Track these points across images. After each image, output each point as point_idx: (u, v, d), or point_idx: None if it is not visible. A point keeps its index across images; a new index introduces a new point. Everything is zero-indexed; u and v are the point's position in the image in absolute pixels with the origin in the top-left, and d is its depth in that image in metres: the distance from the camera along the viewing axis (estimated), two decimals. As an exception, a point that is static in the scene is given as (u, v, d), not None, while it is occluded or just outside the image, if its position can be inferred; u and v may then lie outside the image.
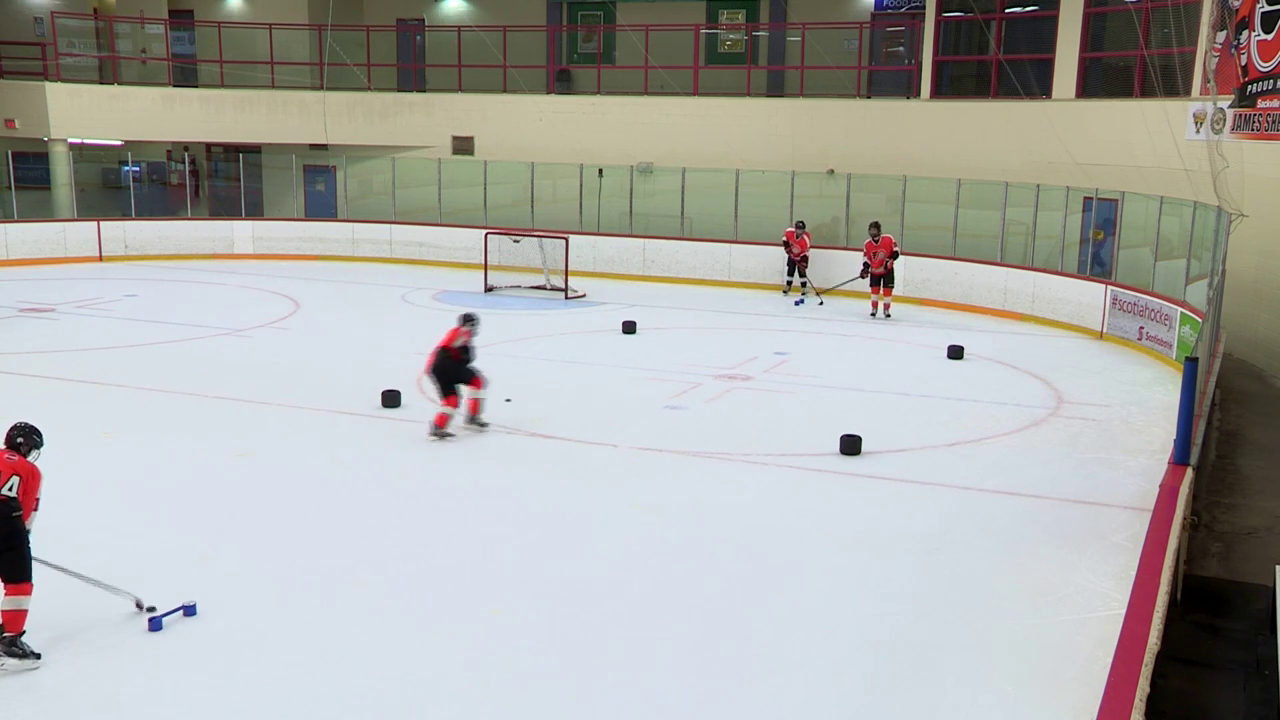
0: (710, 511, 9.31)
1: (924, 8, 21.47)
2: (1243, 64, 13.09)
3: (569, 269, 20.28)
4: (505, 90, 24.58)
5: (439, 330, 16.99)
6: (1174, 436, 8.98)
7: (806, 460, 10.69)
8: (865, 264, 18.19)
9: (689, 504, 9.47)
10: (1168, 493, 7.77)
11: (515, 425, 11.61)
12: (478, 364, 11.48)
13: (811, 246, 20.05)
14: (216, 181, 27.48)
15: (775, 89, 24.12)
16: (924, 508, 9.50)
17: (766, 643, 6.97)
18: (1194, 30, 16.17)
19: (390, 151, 25.09)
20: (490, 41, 24.58)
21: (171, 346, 15.41)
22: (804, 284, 20.02)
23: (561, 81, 25.48)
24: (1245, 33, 13.02)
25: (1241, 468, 10.46)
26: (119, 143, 25.24)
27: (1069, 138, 18.44)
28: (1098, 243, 18.13)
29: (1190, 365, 8.55)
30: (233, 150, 26.40)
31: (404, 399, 12.33)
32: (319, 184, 26.41)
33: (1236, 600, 7.56)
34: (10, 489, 6.45)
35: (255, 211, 25.69)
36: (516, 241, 21.15)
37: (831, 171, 21.66)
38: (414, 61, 26.59)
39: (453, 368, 11.29)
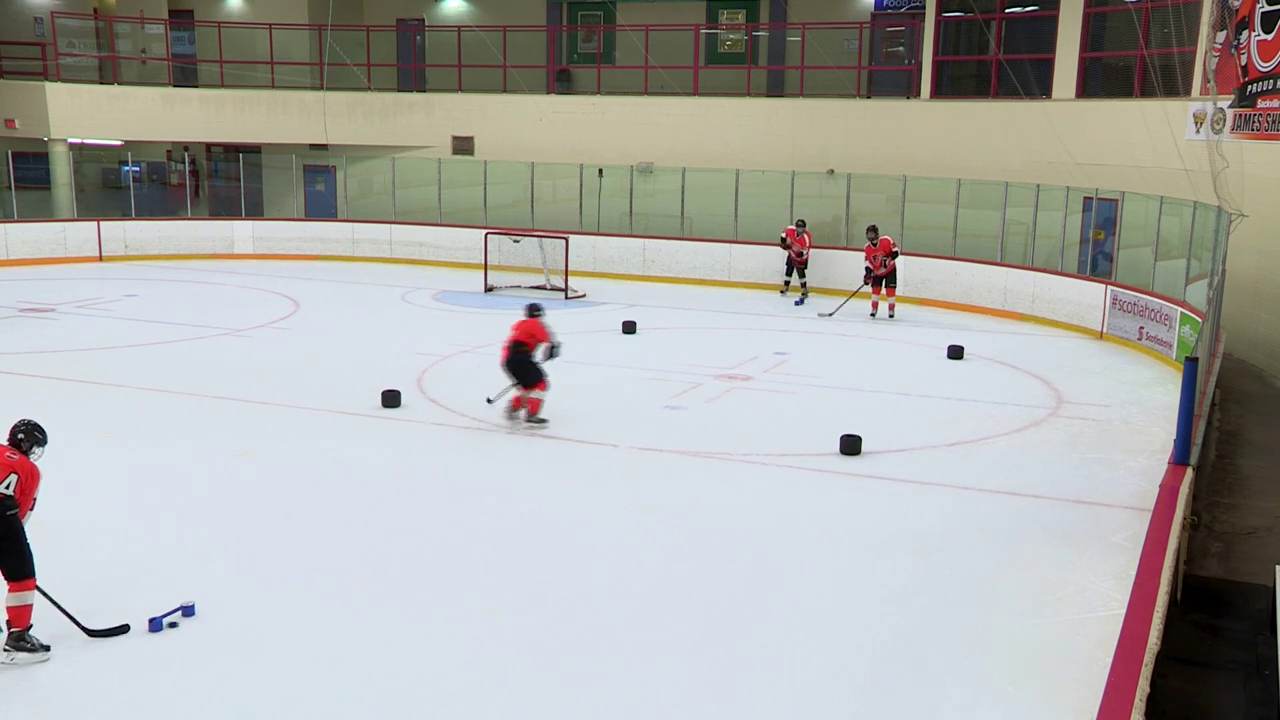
0: (710, 511, 9.31)
1: (924, 8, 21.47)
2: (1243, 64, 13.08)
3: (569, 269, 20.28)
4: (505, 90, 24.58)
5: (439, 330, 17.17)
6: (1174, 436, 8.99)
7: (806, 460, 10.69)
8: (867, 268, 18.19)
9: (689, 504, 9.47)
10: (1168, 493, 7.78)
11: (515, 425, 11.60)
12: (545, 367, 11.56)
13: (812, 247, 20.05)
14: (216, 181, 27.48)
15: (775, 89, 24.12)
16: (924, 508, 9.50)
17: (766, 643, 6.97)
18: (1194, 30, 16.17)
19: (390, 151, 25.09)
20: (490, 41, 24.58)
21: (171, 346, 15.41)
22: (804, 284, 20.00)
23: (561, 81, 25.48)
24: (1245, 33, 13.02)
25: (1241, 468, 10.46)
26: (119, 143, 25.24)
27: (1069, 138, 18.44)
28: (1099, 242, 18.13)
29: (1190, 365, 8.56)
30: (233, 150, 26.39)
31: (404, 399, 12.32)
32: (319, 184, 26.41)
33: (1236, 600, 7.57)
34: (8, 486, 6.44)
35: (255, 211, 25.68)
36: (516, 241, 21.15)
37: (831, 171, 21.66)
38: (414, 61, 26.58)
39: (524, 363, 11.38)
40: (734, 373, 14.13)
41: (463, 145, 24.91)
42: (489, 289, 20.63)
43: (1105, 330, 16.77)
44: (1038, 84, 19.68)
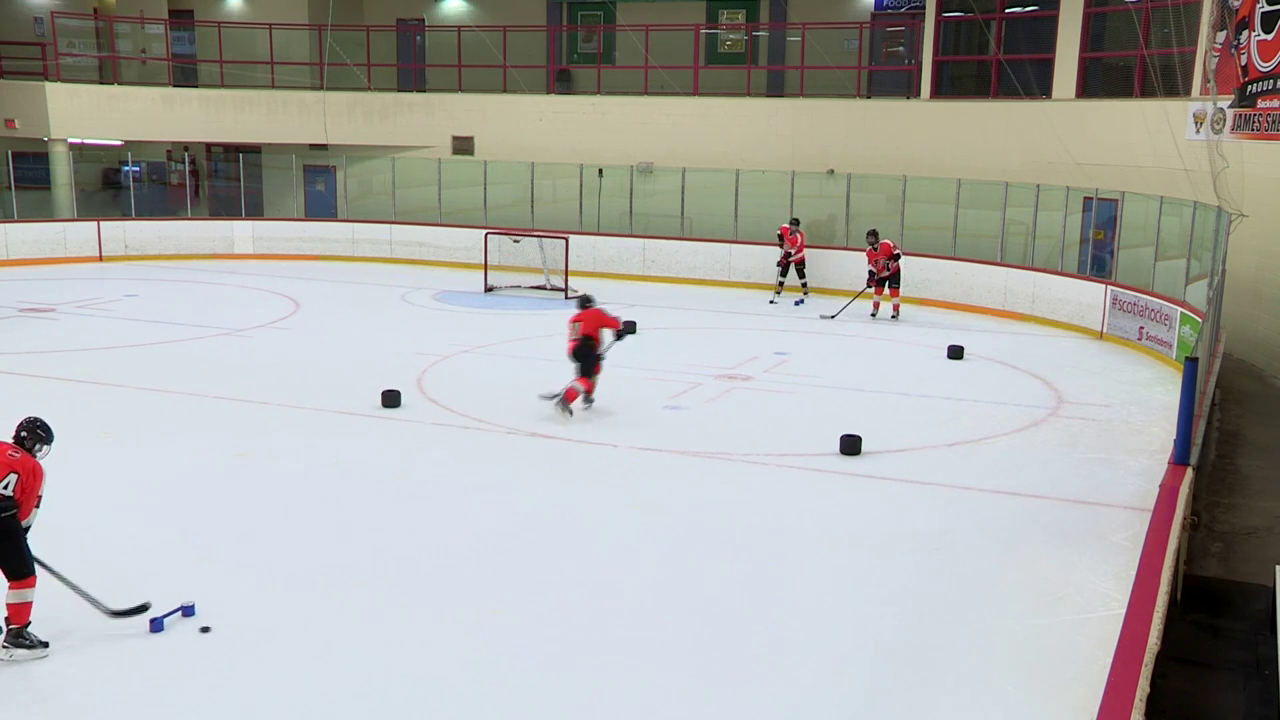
0: (710, 511, 9.31)
1: (924, 8, 21.47)
2: (1243, 64, 13.08)
3: (569, 269, 20.28)
4: (505, 90, 24.58)
5: (439, 330, 17.16)
6: (1174, 436, 8.99)
7: (806, 460, 10.69)
8: (871, 272, 18.18)
9: (689, 504, 9.47)
10: (1168, 493, 7.78)
11: (515, 425, 11.61)
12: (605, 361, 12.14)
13: (806, 246, 20.05)
14: (216, 181, 27.48)
15: (775, 89, 24.12)
16: (924, 508, 9.50)
17: (766, 643, 6.97)
18: (1194, 30, 16.17)
19: (390, 151, 25.09)
20: (490, 41, 24.59)
21: (171, 346, 15.41)
22: (803, 284, 19.99)
23: (561, 81, 25.49)
24: (1245, 33, 13.02)
25: (1241, 468, 10.47)
26: (119, 143, 25.24)
27: (1069, 138, 18.44)
28: (1098, 242, 18.13)
29: (1190, 365, 8.56)
30: (233, 150, 26.39)
31: (404, 399, 12.32)
32: (319, 184, 26.41)
33: (1236, 600, 7.57)
34: (6, 486, 6.44)
35: (255, 211, 25.68)
36: (516, 241, 21.16)
37: (831, 171, 21.66)
38: (414, 61, 26.59)
39: (589, 353, 11.91)
40: (734, 373, 14.13)
41: (463, 145, 24.91)
42: (489, 289, 20.63)
43: (1105, 330, 16.77)
44: (1038, 84, 19.68)
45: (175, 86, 25.09)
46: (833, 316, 18.14)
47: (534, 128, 24.08)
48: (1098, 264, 17.99)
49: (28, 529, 6.62)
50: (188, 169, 26.85)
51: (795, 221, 20.04)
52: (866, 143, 21.68)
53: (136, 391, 12.97)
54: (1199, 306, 13.74)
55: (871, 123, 22.01)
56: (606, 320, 12.06)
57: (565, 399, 11.85)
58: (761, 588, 7.78)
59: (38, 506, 6.63)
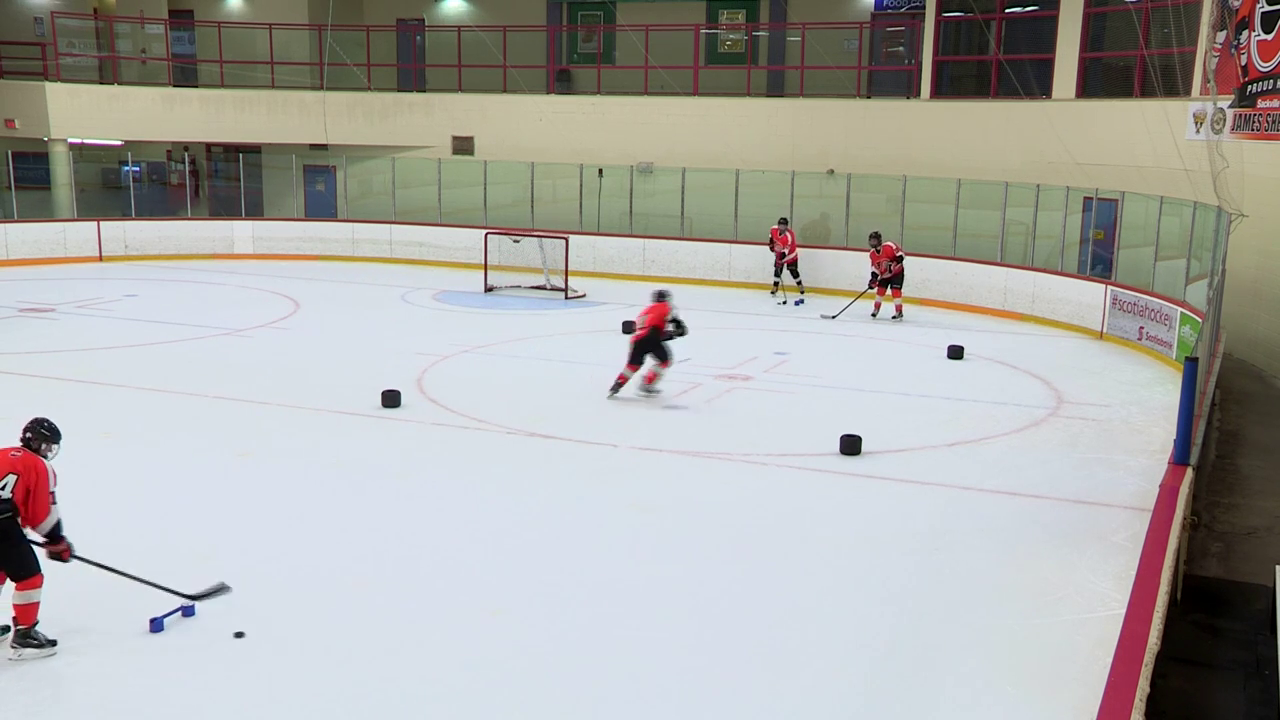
0: (710, 511, 9.31)
1: (924, 8, 21.47)
2: (1243, 64, 13.08)
3: (569, 269, 20.28)
4: (505, 90, 24.58)
5: (439, 330, 17.15)
6: (1174, 436, 8.99)
7: (806, 460, 10.69)
8: (874, 274, 18.18)
9: (689, 504, 9.47)
10: (1168, 493, 7.78)
11: (515, 425, 11.61)
12: (672, 345, 12.84)
13: (800, 246, 20.05)
14: (216, 181, 27.48)
15: (775, 89, 24.12)
16: (924, 508, 9.50)
17: (766, 643, 6.97)
18: (1194, 30, 16.17)
19: (390, 151, 25.09)
20: (490, 41, 24.59)
21: (171, 346, 15.41)
22: (798, 284, 19.98)
23: (561, 81, 25.49)
24: (1245, 33, 13.02)
25: (1241, 468, 10.47)
26: (119, 143, 25.23)
27: (1069, 138, 18.44)
28: (1097, 242, 18.13)
29: (1190, 365, 8.55)
30: (233, 150, 26.40)
31: (404, 399, 12.32)
32: (319, 184, 26.41)
33: (1236, 600, 7.57)
34: (4, 488, 6.43)
35: (255, 211, 25.69)
36: (516, 241, 21.15)
37: (831, 171, 21.66)
38: (414, 61, 26.59)
39: (654, 343, 12.65)
40: (734, 373, 14.14)
41: (463, 145, 24.92)
42: (489, 289, 20.63)
43: (1105, 330, 16.78)
44: (1038, 84, 19.68)
45: (175, 86, 25.09)
46: (834, 317, 18.14)
47: (534, 128, 24.08)
48: (1100, 261, 17.98)
49: (58, 528, 6.61)
50: (188, 169, 26.86)
51: (784, 221, 20.04)
52: (866, 143, 21.68)
53: (136, 391, 12.97)
54: (1199, 306, 13.74)
55: (871, 123, 22.01)
56: (663, 313, 12.83)
57: (647, 381, 12.80)
58: (761, 588, 7.79)
59: (54, 503, 6.59)
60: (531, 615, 7.28)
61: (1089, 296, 17.21)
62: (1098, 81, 19.78)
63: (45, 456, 6.69)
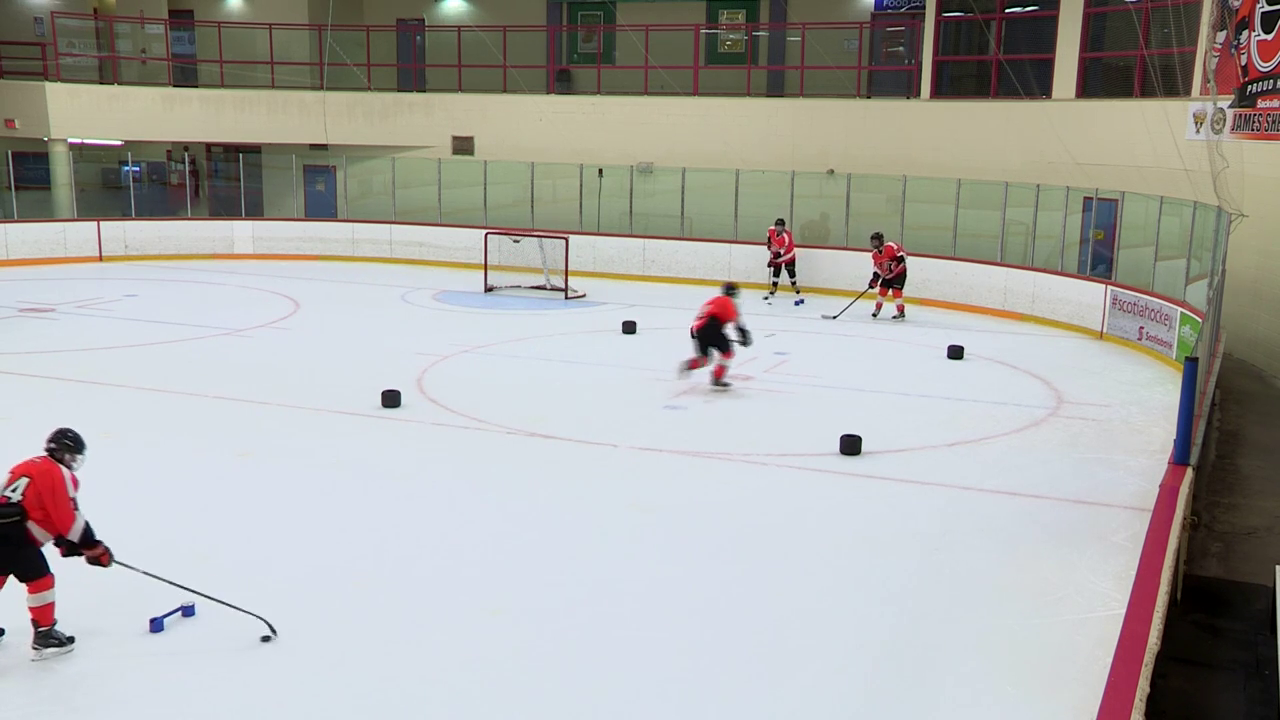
0: (710, 511, 9.31)
1: (924, 8, 21.47)
2: (1243, 64, 13.08)
3: (569, 269, 20.28)
4: (505, 90, 24.58)
5: (439, 330, 17.15)
6: (1174, 436, 8.99)
7: (806, 460, 10.69)
8: (876, 274, 18.18)
9: (689, 504, 9.47)
10: (1168, 493, 7.77)
11: (515, 425, 11.61)
12: (734, 336, 13.19)
13: (799, 245, 20.03)
14: (216, 181, 27.48)
15: (775, 89, 24.12)
16: (924, 508, 9.50)
17: (766, 643, 6.97)
18: (1194, 30, 16.17)
19: (390, 151, 25.09)
20: (490, 41, 24.59)
21: (171, 346, 15.41)
22: (794, 284, 19.98)
23: (561, 81, 25.49)
24: (1245, 33, 13.02)
25: (1241, 468, 10.46)
26: (119, 143, 25.24)
27: (1069, 138, 18.44)
28: (1097, 242, 18.13)
29: (1190, 365, 8.55)
30: (233, 150, 26.40)
31: (404, 399, 12.32)
32: (319, 184, 26.41)
33: (1236, 600, 7.56)
34: (15, 490, 6.44)
35: (255, 211, 25.69)
36: (516, 241, 21.15)
37: (831, 171, 21.66)
38: (414, 61, 26.59)
39: (716, 334, 12.96)
40: (734, 373, 14.12)
41: (463, 145, 24.92)
42: (489, 289, 20.63)
43: (1105, 330, 16.77)
44: (1038, 84, 19.68)
45: (175, 86, 25.09)
46: (834, 317, 18.13)
47: (534, 128, 24.08)
48: (1100, 261, 17.97)
49: (90, 533, 6.63)
50: (188, 169, 26.86)
51: (780, 222, 20.04)
52: (866, 143, 21.68)
53: (136, 391, 12.97)
54: (1199, 306, 13.74)
55: (871, 123, 22.01)
56: (730, 311, 13.12)
57: (716, 376, 13.14)
58: (761, 588, 7.79)
59: (76, 509, 6.60)
60: (531, 615, 7.28)
61: (1089, 296, 17.21)
62: (1098, 81, 19.78)
63: (71, 467, 6.73)
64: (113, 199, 26.02)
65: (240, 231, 24.59)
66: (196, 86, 25.24)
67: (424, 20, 27.09)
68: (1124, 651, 5.39)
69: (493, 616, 7.25)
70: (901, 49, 23.49)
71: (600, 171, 23.25)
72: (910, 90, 22.02)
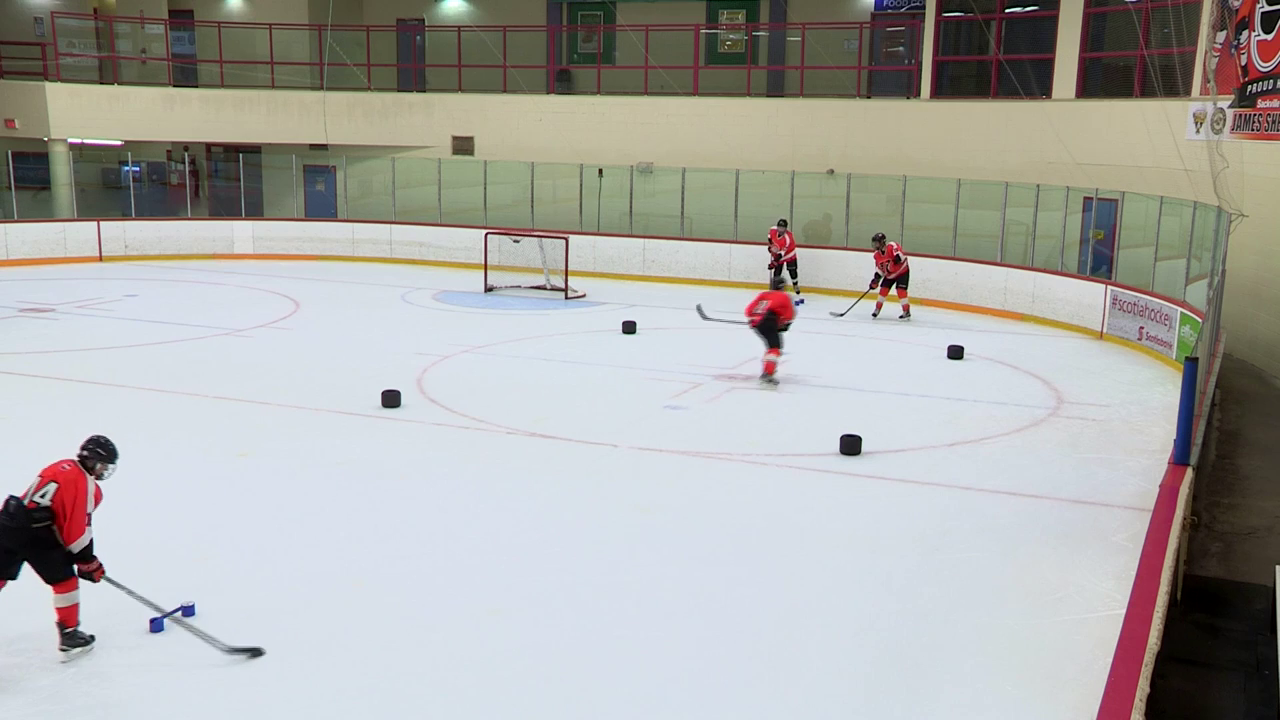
0: (710, 511, 9.31)
1: (924, 8, 21.47)
2: (1243, 64, 13.08)
3: (569, 269, 20.28)
4: (505, 90, 24.59)
5: (439, 330, 17.15)
6: (1174, 436, 8.99)
7: (806, 460, 10.69)
8: (877, 274, 18.19)
9: (689, 504, 9.47)
10: (1168, 493, 7.78)
11: (515, 425, 11.61)
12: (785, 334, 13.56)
13: (802, 246, 20.02)
14: (216, 181, 27.48)
15: (775, 89, 24.12)
16: (924, 507, 9.50)
17: (767, 643, 6.97)
18: (1194, 30, 16.17)
19: (390, 151, 25.09)
20: (490, 41, 24.59)
21: (171, 346, 15.41)
22: (795, 285, 19.97)
23: (561, 81, 25.49)
24: (1245, 33, 13.02)
25: (1241, 468, 10.47)
26: (119, 143, 25.24)
27: (1069, 138, 18.44)
28: (1097, 242, 18.13)
29: (1190, 365, 8.55)
30: (233, 150, 26.40)
31: (404, 399, 12.32)
32: (319, 184, 26.41)
33: (1236, 600, 7.57)
34: (44, 496, 6.44)
35: (255, 211, 25.69)
36: (516, 241, 21.15)
37: (831, 171, 21.67)
38: (414, 61, 26.59)
39: (773, 328, 13.42)
40: (734, 373, 14.13)
41: (463, 145, 24.92)
42: (489, 289, 20.63)
43: (1105, 330, 16.77)
44: (1038, 84, 19.68)
45: (175, 86, 25.10)
46: (842, 314, 18.15)
47: (534, 128, 24.08)
48: (1100, 261, 17.97)
49: (90, 548, 6.62)
50: (188, 169, 26.85)
51: (782, 223, 20.05)
52: (866, 143, 21.69)
53: (136, 391, 12.97)
54: (1199, 306, 13.74)
55: (871, 123, 22.02)
56: (789, 310, 13.61)
57: (766, 371, 13.40)
58: (762, 587, 7.78)
59: (88, 524, 6.59)
60: (531, 615, 7.28)
61: (1089, 296, 17.21)
62: (1098, 81, 19.79)
63: (101, 476, 6.71)
64: (113, 199, 26.03)
65: (240, 231, 24.59)
66: (196, 86, 25.24)
67: (424, 20, 27.09)
68: (1124, 651, 5.39)
69: (493, 616, 7.25)
70: (901, 49, 23.49)
71: (600, 171, 23.26)
72: (910, 90, 22.02)
